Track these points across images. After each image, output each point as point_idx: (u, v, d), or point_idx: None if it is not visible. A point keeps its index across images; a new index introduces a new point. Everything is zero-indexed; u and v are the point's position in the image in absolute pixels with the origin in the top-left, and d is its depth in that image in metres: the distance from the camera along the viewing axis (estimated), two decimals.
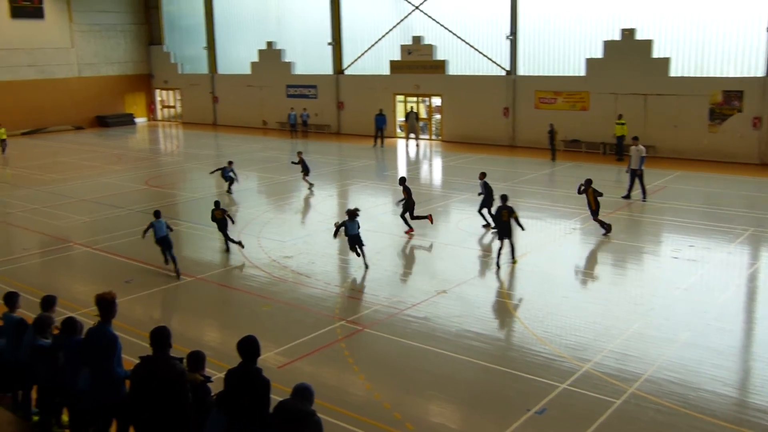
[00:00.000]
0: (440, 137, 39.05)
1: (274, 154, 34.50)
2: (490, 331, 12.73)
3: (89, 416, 8.00)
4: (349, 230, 16.54)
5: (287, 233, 20.05)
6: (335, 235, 17.29)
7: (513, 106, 36.10)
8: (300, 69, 44.55)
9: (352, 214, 16.57)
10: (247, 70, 47.09)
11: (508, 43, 36.00)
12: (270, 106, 45.94)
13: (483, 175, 19.60)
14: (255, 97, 46.77)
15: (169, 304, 14.92)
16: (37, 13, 46.85)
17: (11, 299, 9.38)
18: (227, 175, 25.51)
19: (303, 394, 6.27)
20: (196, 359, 7.11)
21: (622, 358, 11.41)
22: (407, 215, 19.47)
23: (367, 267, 16.41)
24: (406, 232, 19.41)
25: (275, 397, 6.63)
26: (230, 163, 25.99)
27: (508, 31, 35.87)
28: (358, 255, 16.58)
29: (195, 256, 18.24)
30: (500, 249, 16.71)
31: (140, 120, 52.55)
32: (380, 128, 37.43)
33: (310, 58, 44.13)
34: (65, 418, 8.83)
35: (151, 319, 13.82)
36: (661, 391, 10.25)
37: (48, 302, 9.08)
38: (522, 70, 35.97)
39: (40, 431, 8.77)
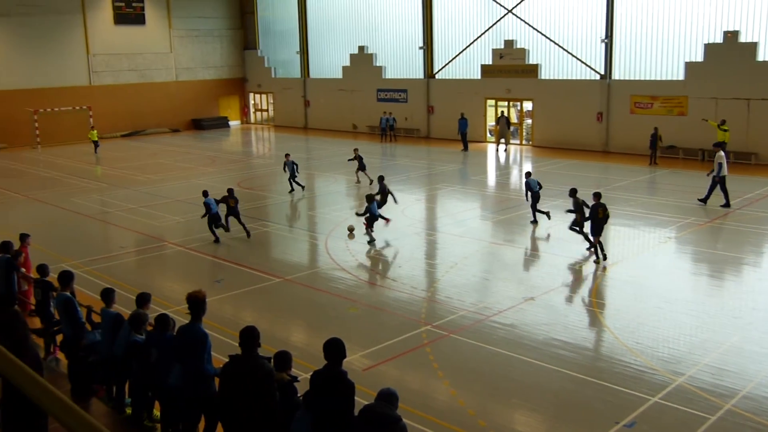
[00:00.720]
0: (531, 142, 38.51)
1: (365, 159, 34.75)
2: (578, 341, 12.45)
3: (179, 411, 8.27)
4: (373, 211, 19.48)
5: (375, 236, 20.14)
6: (363, 214, 19.76)
7: (607, 111, 35.25)
8: (391, 73, 44.83)
9: (371, 198, 19.66)
10: (339, 74, 47.72)
11: (603, 46, 35.18)
12: (360, 109, 46.41)
13: (528, 174, 21.10)
14: (346, 101, 47.35)
15: (257, 305, 15.24)
16: (138, 19, 48.90)
17: (108, 295, 9.80)
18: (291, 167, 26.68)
19: (389, 398, 6.28)
20: (283, 359, 7.22)
21: (719, 372, 10.95)
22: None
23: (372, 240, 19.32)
24: (386, 224, 20.35)
25: (360, 400, 6.68)
26: (287, 155, 27.26)
27: (603, 34, 35.07)
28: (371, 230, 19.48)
29: (282, 258, 18.60)
30: (596, 246, 16.80)
31: (234, 123, 54.06)
32: (462, 132, 37.29)
33: (400, 62, 44.37)
34: (157, 412, 9.16)
35: (239, 318, 14.18)
36: (760, 409, 9.77)
37: (142, 299, 9.44)
38: (617, 74, 35.07)
39: (132, 424, 9.11)
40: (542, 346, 12.16)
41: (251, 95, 54.97)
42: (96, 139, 40.99)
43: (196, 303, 7.80)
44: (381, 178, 22.15)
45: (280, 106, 52.67)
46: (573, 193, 18.11)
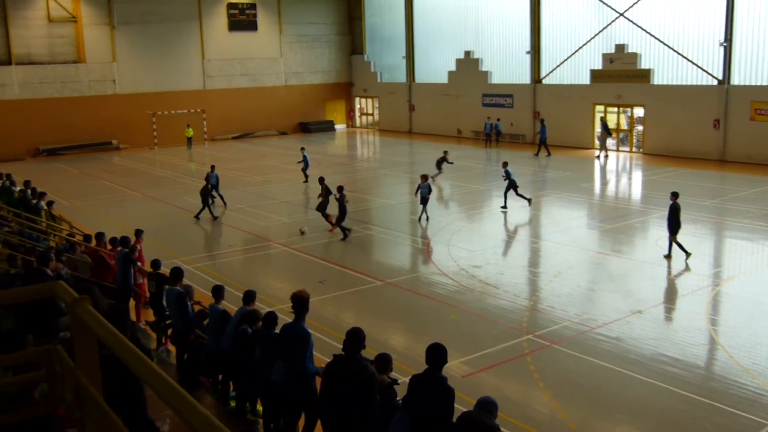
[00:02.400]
0: (641, 149, 37.22)
1: (468, 163, 34.59)
2: (689, 358, 11.87)
3: (281, 408, 8.40)
4: (422, 192, 21.59)
5: (477, 243, 20.01)
6: (416, 193, 22.46)
7: (724, 118, 33.62)
8: (497, 78, 44.40)
9: (426, 177, 21.88)
10: (444, 79, 47.66)
11: (721, 49, 33.60)
12: (465, 114, 46.17)
13: (505, 164, 23.43)
14: (451, 105, 47.22)
15: (359, 306, 15.37)
16: (251, 26, 50.45)
17: (218, 292, 10.10)
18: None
19: (488, 407, 6.17)
20: (385, 361, 7.21)
21: None
22: (327, 213, 21.82)
23: (427, 219, 22.09)
24: (330, 230, 21.34)
25: (458, 407, 6.59)
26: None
27: (721, 36, 33.49)
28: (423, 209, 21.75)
29: (385, 261, 18.71)
30: (674, 244, 17.09)
31: (340, 127, 54.91)
32: (543, 138, 36.60)
33: (507, 67, 43.86)
34: (259, 407, 9.35)
35: (340, 319, 14.35)
36: None
37: (249, 297, 9.68)
38: (737, 79, 33.39)
39: (235, 416, 9.34)
40: (650, 361, 11.68)
41: (357, 99, 55.68)
42: (190, 135, 42.81)
43: (300, 302, 7.89)
44: (321, 179, 22.81)
45: (386, 111, 53.10)
46: (674, 197, 17.52)
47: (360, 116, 55.94)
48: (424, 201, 22.38)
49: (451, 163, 28.23)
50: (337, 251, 19.58)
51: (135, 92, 45.98)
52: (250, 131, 50.61)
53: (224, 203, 25.89)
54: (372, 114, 54.98)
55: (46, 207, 19.17)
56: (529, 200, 24.16)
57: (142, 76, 46.31)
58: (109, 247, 14.62)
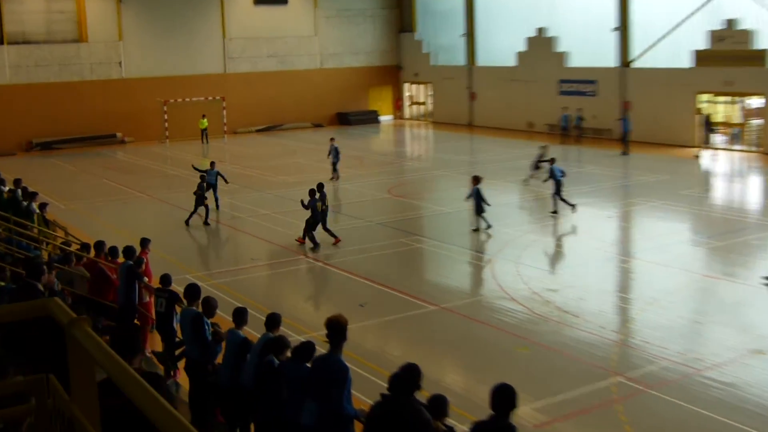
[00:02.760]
0: (761, 147, 36.42)
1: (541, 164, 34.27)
2: None
3: None
4: (483, 197, 21.54)
5: (553, 261, 19.79)
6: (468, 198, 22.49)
7: None
8: (576, 60, 43.98)
9: (478, 179, 21.92)
10: (512, 62, 47.43)
11: None
12: (537, 104, 45.83)
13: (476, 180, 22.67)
14: (520, 93, 46.93)
15: (406, 336, 15.25)
16: None
17: (241, 316, 10.08)
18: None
19: None
20: (440, 405, 7.09)
21: None
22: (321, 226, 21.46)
23: (488, 227, 22.00)
24: (334, 243, 21.34)
25: None
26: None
27: None
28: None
29: (439, 281, 18.58)
30: None
31: (385, 118, 55.05)
32: (625, 132, 36.20)
33: (589, 48, 43.41)
34: None
35: (384, 351, 14.22)
36: None
37: (273, 321, 9.62)
38: None
39: None
40: None
41: (406, 86, 55.73)
42: (205, 127, 43.71)
43: (337, 330, 7.81)
44: (315, 188, 21.95)
45: (441, 99, 53.04)
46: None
47: (410, 106, 55.97)
48: (479, 209, 22.23)
49: (549, 161, 27.86)
50: (380, 268, 19.51)
51: (144, 76, 46.77)
52: (278, 123, 51.04)
53: (217, 207, 26.04)
54: (424, 103, 54.97)
55: (38, 210, 19.50)
56: (573, 206, 24.16)
57: (153, 58, 47.08)
58: (110, 258, 14.76)
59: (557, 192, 24.09)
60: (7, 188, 22.23)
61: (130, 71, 46.58)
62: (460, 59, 51.48)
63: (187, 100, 47.46)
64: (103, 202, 28.67)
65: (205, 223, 24.35)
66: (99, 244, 15.19)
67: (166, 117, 46.57)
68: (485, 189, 22.64)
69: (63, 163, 38.85)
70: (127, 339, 6.17)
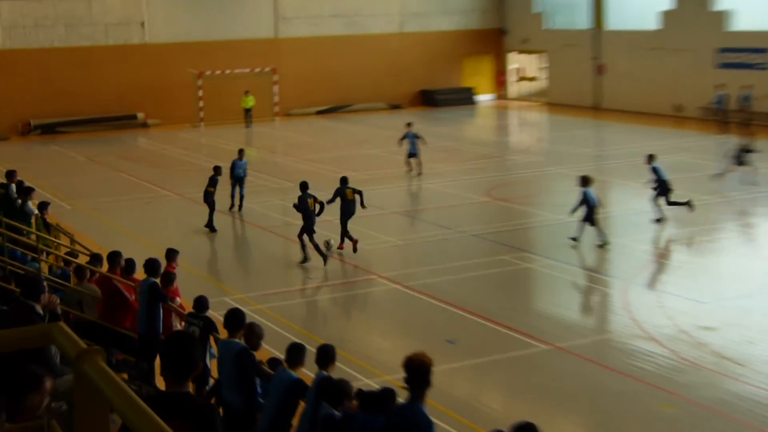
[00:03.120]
0: None
1: (691, 160, 33.76)
2: None
3: None
4: (592, 200, 21.66)
5: (708, 288, 19.46)
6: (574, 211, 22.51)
7: None
8: (742, 23, 43.21)
9: (587, 180, 22.15)
10: (651, 25, 46.91)
11: None
12: (688, 81, 45.17)
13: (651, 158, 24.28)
14: (664, 66, 46.34)
15: (509, 383, 15.14)
16: None
17: (297, 354, 10.06)
18: None
19: None
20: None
21: None
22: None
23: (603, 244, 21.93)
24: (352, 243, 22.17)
25: None
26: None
27: None
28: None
29: (553, 312, 18.40)
30: None
31: (484, 98, 54.92)
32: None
33: (760, 5, 42.62)
34: None
35: (479, 401, 14.14)
36: None
37: (326, 355, 9.67)
38: None
39: None
40: None
41: (512, 56, 55.52)
42: (250, 106, 44.56)
43: (419, 373, 7.83)
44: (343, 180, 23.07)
45: (558, 74, 52.61)
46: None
47: (516, 82, 55.71)
48: (589, 218, 22.04)
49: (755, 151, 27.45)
50: (476, 293, 19.39)
51: (172, 41, 47.55)
52: (343, 103, 51.43)
53: (240, 205, 26.75)
54: (535, 79, 54.66)
55: (36, 211, 19.80)
56: (687, 203, 24.22)
57: (184, 18, 47.84)
58: (126, 274, 14.84)
59: (662, 194, 24.13)
60: None
61: (155, 35, 47.37)
62: (584, 21, 51.10)
63: (228, 72, 48.00)
64: (118, 201, 29.09)
65: (208, 226, 24.74)
66: (113, 256, 15.18)
67: (200, 93, 47.12)
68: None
69: (69, 151, 39.61)
70: (150, 376, 6.23)
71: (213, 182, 24.89)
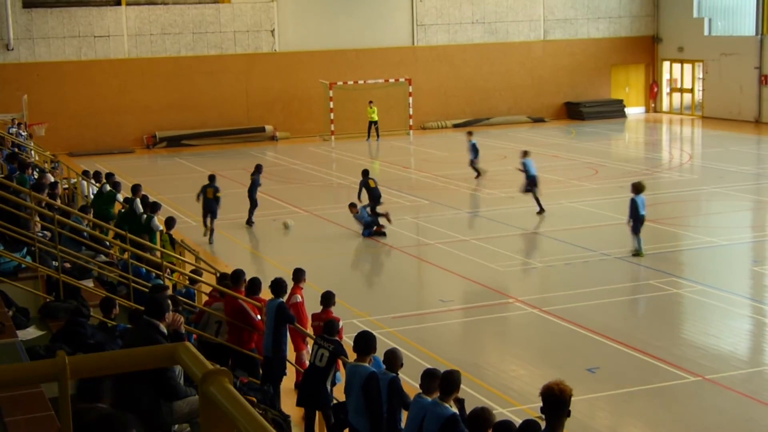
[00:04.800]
0: None
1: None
2: None
3: None
4: (639, 209, 22.70)
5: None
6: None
7: None
8: None
9: (638, 187, 23.17)
10: None
11: None
12: None
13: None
14: None
15: (655, 416, 15.01)
16: None
17: (450, 383, 10.05)
18: None
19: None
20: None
21: None
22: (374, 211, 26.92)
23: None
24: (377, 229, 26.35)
25: None
26: None
27: None
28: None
29: (704, 342, 18.23)
30: None
31: (634, 111, 54.47)
32: None
33: None
34: None
35: None
36: None
37: (451, 382, 9.87)
38: None
39: None
40: None
41: (665, 65, 54.89)
42: (375, 119, 45.15)
43: (557, 403, 7.97)
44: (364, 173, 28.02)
45: (715, 85, 51.63)
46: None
47: (669, 94, 54.96)
48: (636, 227, 22.81)
49: None
50: (619, 319, 19.34)
51: (303, 50, 48.41)
52: (482, 116, 51.57)
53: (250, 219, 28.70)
54: (691, 90, 53.81)
55: (163, 227, 20.36)
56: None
57: (315, 26, 48.66)
58: (250, 294, 15.14)
59: (529, 190, 28.10)
60: (122, 197, 23.39)
61: (286, 43, 48.28)
62: (748, 27, 50.18)
63: (360, 82, 48.45)
64: (244, 217, 29.67)
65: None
66: (237, 275, 15.32)
67: (331, 105, 47.54)
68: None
69: (194, 165, 40.51)
70: (276, 401, 6.47)
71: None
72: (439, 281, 23.12)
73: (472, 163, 33.91)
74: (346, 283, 22.44)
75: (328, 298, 15.01)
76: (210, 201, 26.02)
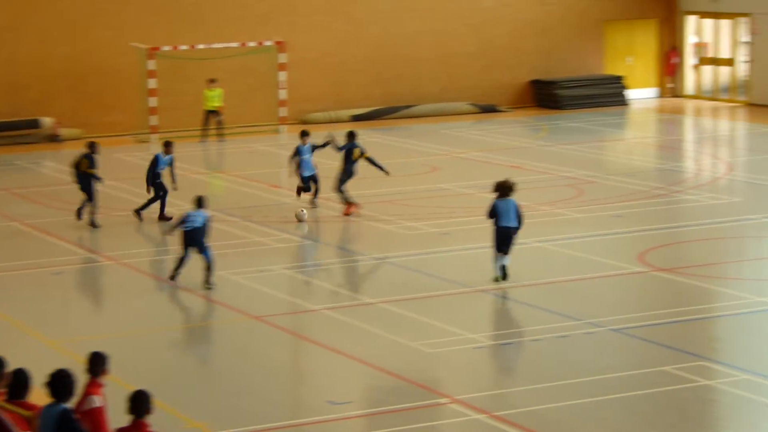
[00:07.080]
0: None
1: None
2: None
3: None
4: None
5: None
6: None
7: None
8: None
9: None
10: None
11: None
12: None
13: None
14: None
15: None
16: None
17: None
18: None
19: None
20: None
21: None
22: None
23: None
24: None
25: None
26: None
27: None
28: None
29: None
30: None
31: (642, 93, 55.51)
32: None
33: None
34: None
35: None
36: None
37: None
38: None
39: None
40: None
41: (690, 21, 55.88)
42: (216, 106, 46.68)
43: None
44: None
45: (766, 56, 52.57)
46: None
47: (695, 67, 55.83)
48: None
49: None
50: (613, 425, 19.35)
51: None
52: (399, 104, 52.57)
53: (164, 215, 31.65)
54: (731, 62, 54.70)
55: None
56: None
57: None
58: None
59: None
60: None
61: None
62: None
63: (201, 47, 48.65)
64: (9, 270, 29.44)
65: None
66: None
67: (152, 85, 47.57)
68: None
69: None
70: None
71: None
72: (328, 372, 22.89)
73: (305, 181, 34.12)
74: (172, 376, 22.22)
75: (141, 402, 14.69)
76: None
